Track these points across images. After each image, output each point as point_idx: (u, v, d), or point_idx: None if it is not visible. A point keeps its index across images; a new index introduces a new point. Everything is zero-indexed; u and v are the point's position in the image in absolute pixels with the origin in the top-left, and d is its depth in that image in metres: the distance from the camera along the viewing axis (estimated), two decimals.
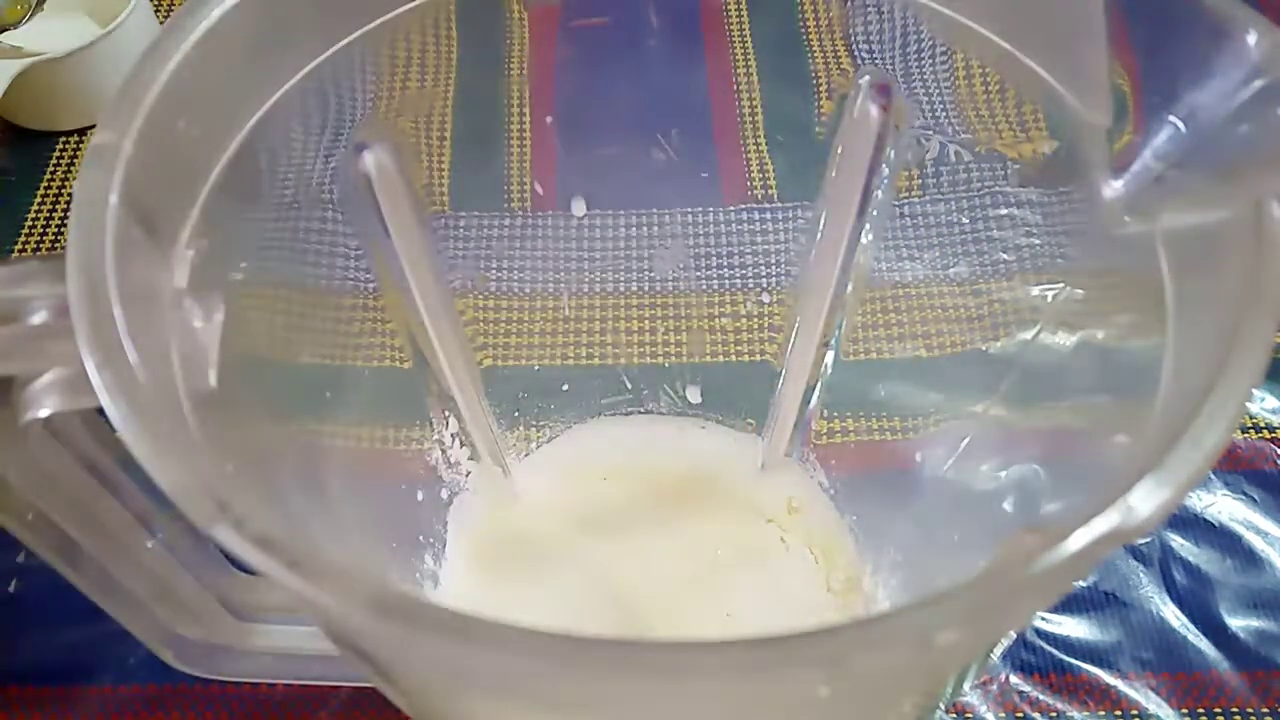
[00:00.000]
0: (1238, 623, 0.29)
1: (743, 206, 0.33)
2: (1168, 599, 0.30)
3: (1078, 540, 0.11)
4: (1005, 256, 0.24)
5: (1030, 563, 0.11)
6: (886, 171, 0.25)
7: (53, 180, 0.40)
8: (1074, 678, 0.28)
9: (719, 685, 0.11)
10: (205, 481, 0.12)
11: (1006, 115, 0.22)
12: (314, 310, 0.24)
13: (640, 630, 0.27)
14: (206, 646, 0.24)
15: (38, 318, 0.15)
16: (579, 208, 0.30)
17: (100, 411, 0.14)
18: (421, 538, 0.28)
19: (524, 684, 0.12)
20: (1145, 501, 0.12)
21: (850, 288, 0.27)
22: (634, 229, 0.31)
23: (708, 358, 0.32)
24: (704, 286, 0.32)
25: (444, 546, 0.29)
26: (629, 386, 0.32)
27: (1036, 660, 0.29)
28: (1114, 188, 0.17)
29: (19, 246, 0.38)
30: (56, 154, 0.40)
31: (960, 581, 0.11)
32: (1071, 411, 0.22)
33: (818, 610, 0.28)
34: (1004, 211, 0.24)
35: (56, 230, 0.38)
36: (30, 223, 0.38)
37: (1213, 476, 0.32)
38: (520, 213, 0.31)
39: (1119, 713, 0.28)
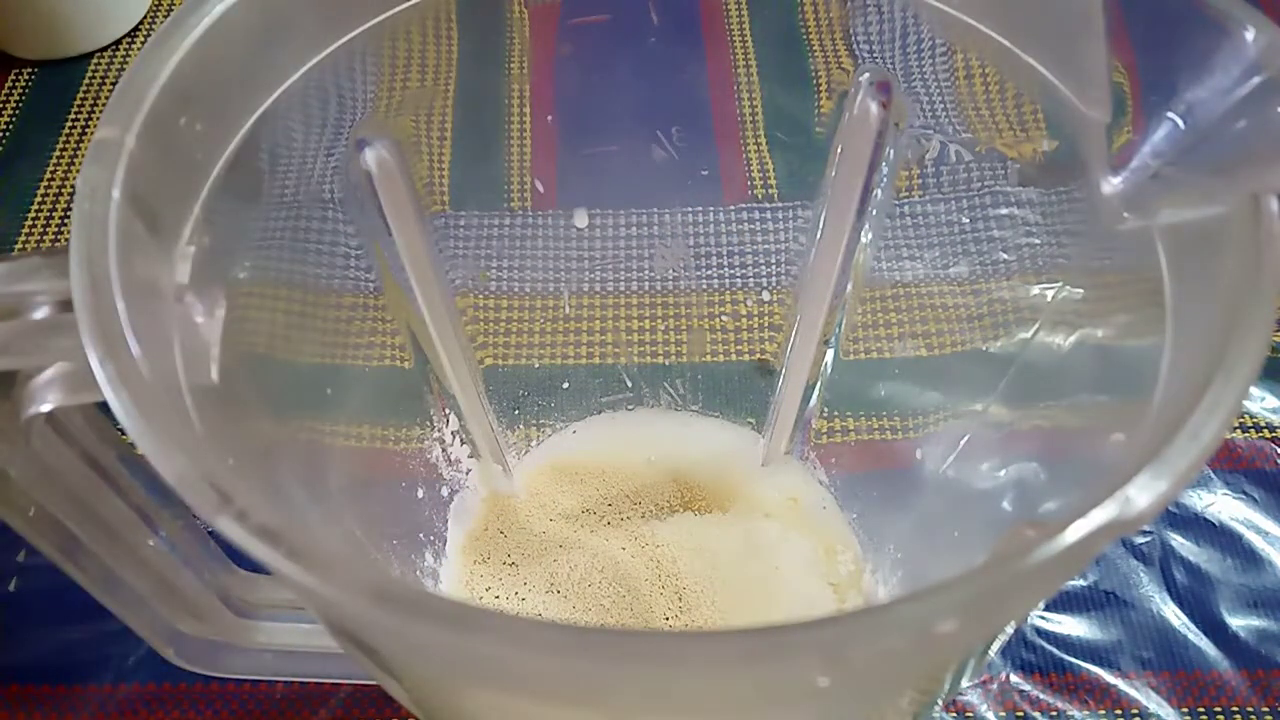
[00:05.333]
0: (1238, 622, 0.29)
1: (743, 205, 0.33)
2: (1168, 598, 0.30)
3: (1076, 531, 0.12)
4: (1005, 255, 0.24)
5: (1029, 554, 0.11)
6: (886, 170, 0.25)
7: (55, 174, 0.40)
8: (1074, 677, 0.28)
9: (718, 675, 0.11)
10: (208, 473, 0.12)
11: (1006, 114, 0.22)
12: (315, 308, 0.24)
13: (643, 625, 0.27)
14: (207, 643, 0.24)
15: (40, 313, 0.15)
16: (581, 219, 0.30)
17: (102, 407, 0.14)
18: (422, 535, 0.28)
19: (523, 675, 0.12)
20: (1143, 493, 0.12)
21: (850, 287, 0.27)
22: (634, 228, 0.31)
23: (708, 356, 0.32)
24: (704, 285, 0.32)
25: (444, 544, 0.29)
26: (629, 385, 0.32)
27: (1036, 659, 0.29)
28: (1113, 184, 0.17)
29: (21, 241, 0.38)
30: (59, 148, 0.40)
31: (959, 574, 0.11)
32: (1071, 410, 0.22)
33: (818, 605, 0.28)
34: (1004, 211, 0.24)
35: (59, 225, 0.38)
36: (33, 217, 0.38)
37: (1213, 476, 0.32)
38: (520, 211, 0.31)
39: (1119, 712, 0.28)
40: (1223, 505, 0.31)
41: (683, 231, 0.32)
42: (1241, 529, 0.31)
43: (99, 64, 0.43)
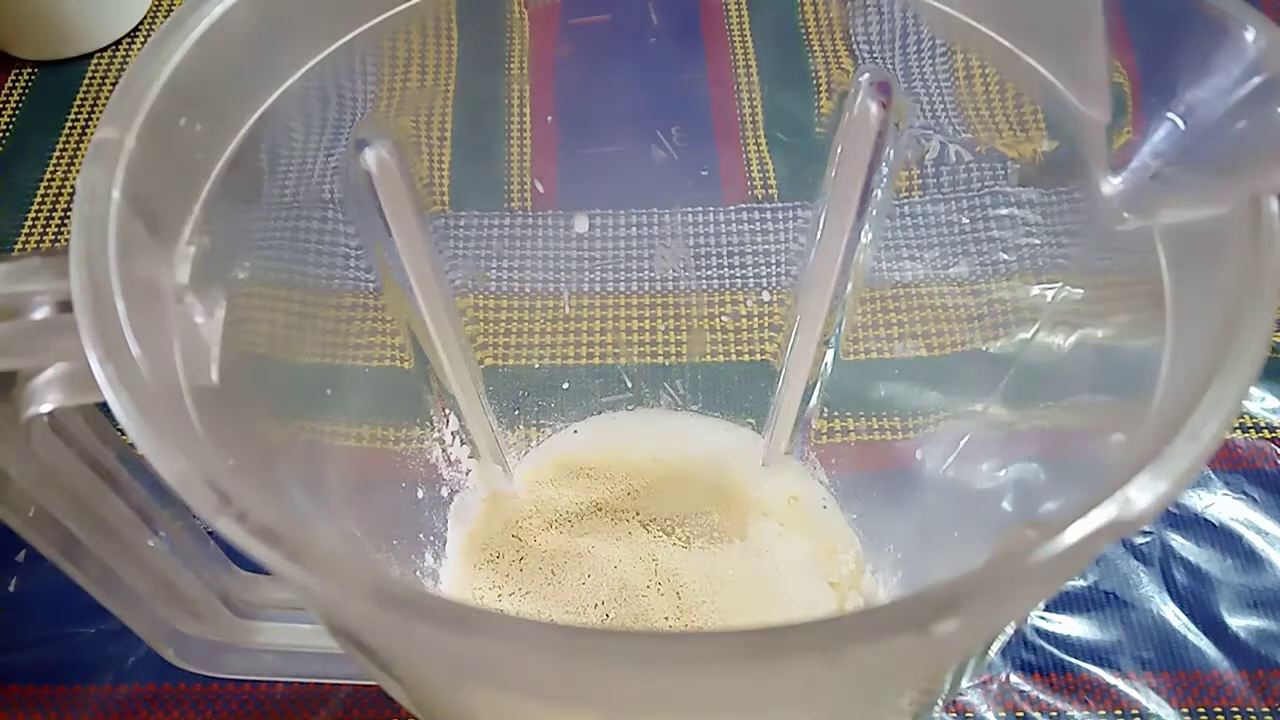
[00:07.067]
0: (1238, 622, 0.29)
1: (743, 205, 0.33)
2: (1168, 598, 0.30)
3: (1076, 531, 0.12)
4: (1005, 256, 0.24)
5: (1029, 554, 0.11)
6: (886, 170, 0.25)
7: (55, 174, 0.40)
8: (1074, 677, 0.28)
9: (718, 675, 0.11)
10: (208, 474, 0.12)
11: (1006, 114, 0.22)
12: (315, 308, 0.24)
13: (642, 625, 0.27)
14: (207, 644, 0.24)
15: (40, 313, 0.15)
16: (582, 224, 0.30)
17: (103, 407, 0.14)
18: (422, 536, 0.28)
19: (523, 675, 0.12)
20: (1143, 493, 0.12)
21: (850, 287, 0.27)
22: (634, 228, 0.31)
23: (708, 357, 0.32)
24: (704, 285, 0.32)
25: (444, 544, 0.29)
26: (629, 385, 0.32)
27: (1037, 659, 0.29)
28: (1113, 185, 0.17)
29: (21, 241, 0.38)
30: (59, 148, 0.40)
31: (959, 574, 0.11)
32: (1070, 410, 0.22)
33: (817, 605, 0.28)
34: (1004, 211, 0.24)
35: (59, 225, 0.38)
36: (33, 217, 0.38)
37: (1213, 476, 0.32)
38: (520, 212, 0.31)
39: (1119, 712, 0.28)
40: (1223, 505, 0.31)
41: (683, 231, 0.32)
42: (1241, 529, 0.31)
43: (99, 64, 0.43)
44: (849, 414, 0.30)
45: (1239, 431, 0.33)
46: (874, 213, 0.26)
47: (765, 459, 0.31)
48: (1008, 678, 0.28)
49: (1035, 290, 0.24)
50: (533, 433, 0.32)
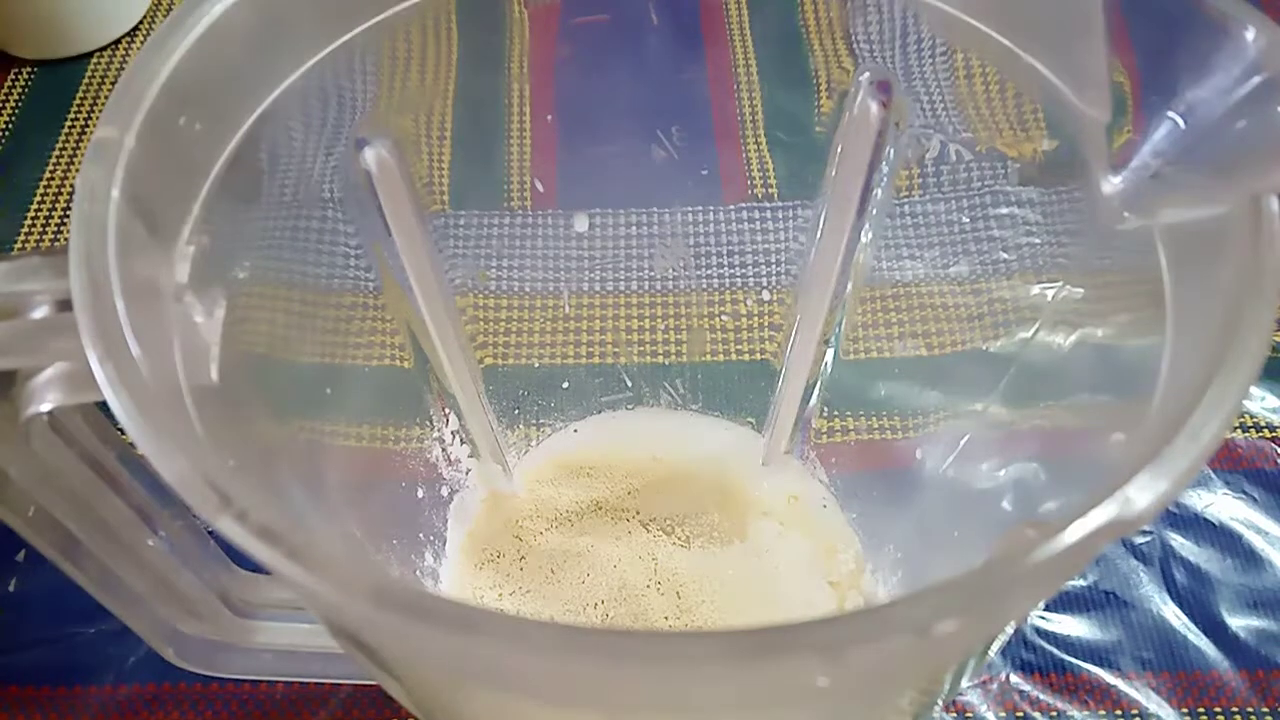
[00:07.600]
0: (1238, 622, 0.29)
1: (743, 205, 0.33)
2: (1168, 598, 0.30)
3: (1076, 531, 0.12)
4: (1005, 255, 0.24)
5: (1029, 554, 0.11)
6: (886, 170, 0.25)
7: (55, 174, 0.40)
8: (1074, 677, 0.28)
9: (718, 675, 0.11)
10: (208, 474, 0.12)
11: (1006, 114, 0.22)
12: (314, 308, 0.24)
13: (642, 624, 0.27)
14: (207, 643, 0.24)
15: (39, 312, 0.15)
16: (581, 223, 0.30)
17: (102, 406, 0.14)
18: (422, 535, 0.28)
19: (523, 675, 0.12)
20: (1143, 493, 0.12)
21: (850, 286, 0.27)
22: (634, 227, 0.31)
23: (708, 356, 0.32)
24: (704, 285, 0.32)
25: (444, 544, 0.29)
26: (629, 385, 0.32)
27: (1036, 659, 0.29)
28: (1113, 184, 0.17)
29: (21, 241, 0.38)
30: (59, 148, 0.40)
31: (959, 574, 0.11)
32: (1071, 410, 0.22)
33: (818, 605, 0.28)
34: (1004, 210, 0.24)
35: (59, 225, 0.38)
36: (33, 217, 0.38)
37: (1213, 476, 0.32)
38: (520, 211, 0.31)
39: (1119, 712, 0.28)
40: (1223, 505, 0.31)
41: (683, 231, 0.32)
42: (1241, 529, 0.31)
43: (99, 64, 0.43)
44: (849, 413, 0.30)
45: (1239, 431, 0.33)
46: (874, 212, 0.26)
47: (765, 458, 0.31)
48: (1008, 678, 0.28)
49: (1035, 290, 0.24)
50: (533, 432, 0.32)
